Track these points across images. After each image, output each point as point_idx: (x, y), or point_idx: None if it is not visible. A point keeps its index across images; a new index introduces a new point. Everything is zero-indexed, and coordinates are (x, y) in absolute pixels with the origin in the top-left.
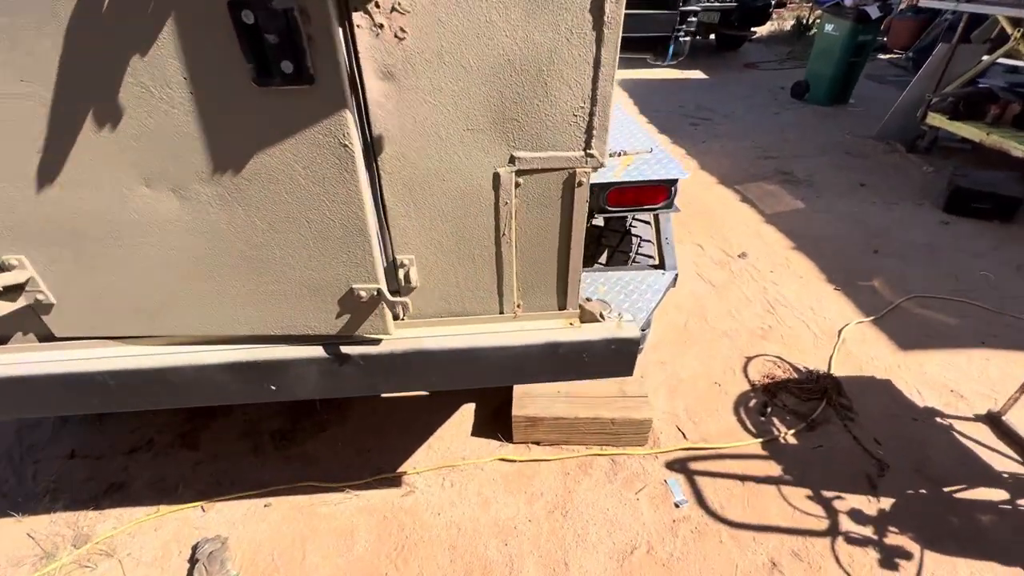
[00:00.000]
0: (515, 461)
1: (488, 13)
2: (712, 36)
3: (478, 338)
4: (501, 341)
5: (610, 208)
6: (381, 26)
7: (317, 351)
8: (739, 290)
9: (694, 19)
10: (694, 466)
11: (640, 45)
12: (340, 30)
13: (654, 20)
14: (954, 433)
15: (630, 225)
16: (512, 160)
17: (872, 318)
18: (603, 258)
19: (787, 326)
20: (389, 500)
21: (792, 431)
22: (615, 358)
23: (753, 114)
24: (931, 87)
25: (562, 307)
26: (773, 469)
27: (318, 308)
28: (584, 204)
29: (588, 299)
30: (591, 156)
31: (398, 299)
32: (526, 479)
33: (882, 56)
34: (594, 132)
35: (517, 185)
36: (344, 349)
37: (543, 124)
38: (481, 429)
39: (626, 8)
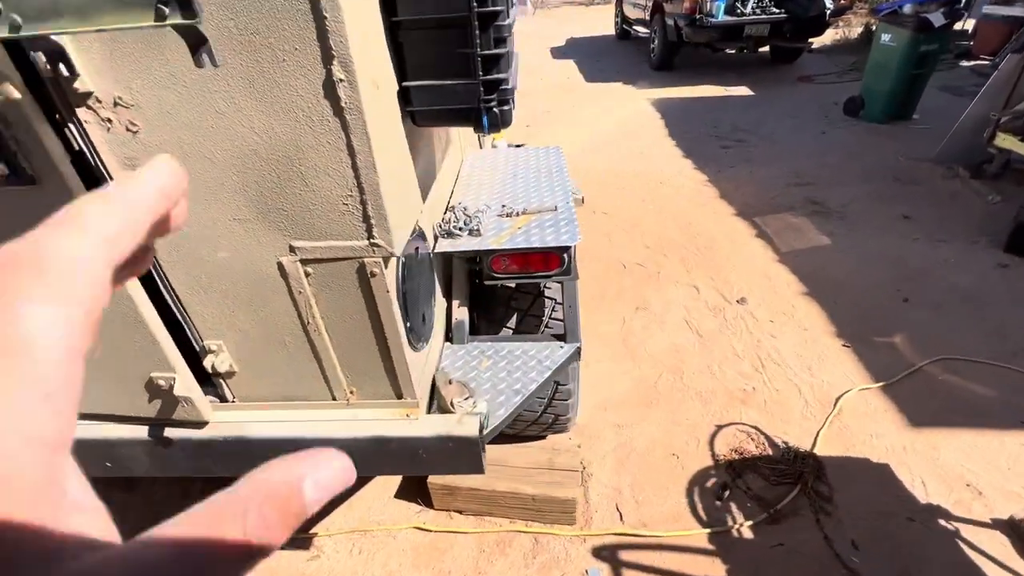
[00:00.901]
0: (430, 531)
1: (215, 103)
2: (763, 49)
3: (304, 427)
4: (327, 432)
5: (496, 275)
6: (110, 120)
7: (142, 432)
8: (728, 342)
9: (509, 87)
10: (625, 555)
11: (454, 116)
12: (55, 129)
13: (452, 92)
14: (960, 542)
15: (544, 286)
16: (292, 249)
17: (882, 384)
18: (512, 321)
19: (774, 389)
20: (294, 564)
21: (751, 522)
22: (455, 456)
23: (795, 135)
24: (999, 103)
25: (399, 395)
26: (717, 569)
27: (132, 393)
28: (385, 294)
29: (451, 381)
30: (377, 246)
31: (222, 382)
32: (438, 553)
33: (965, 63)
34: (373, 221)
35: (307, 274)
36: (167, 432)
37: (312, 214)
38: (406, 490)
39: (421, 79)
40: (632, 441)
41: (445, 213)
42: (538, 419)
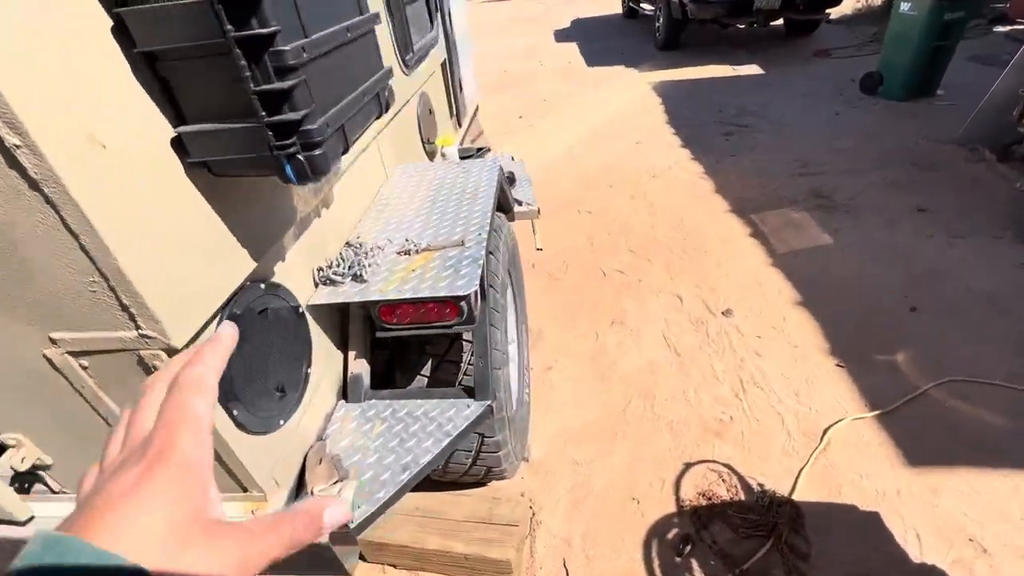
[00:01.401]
0: None
1: None
2: (777, 22)
3: None
4: None
5: (388, 327)
6: None
7: None
8: (708, 361)
9: (315, 127)
10: None
11: (248, 166)
12: None
13: (237, 137)
14: None
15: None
16: (54, 341)
17: (878, 412)
18: (427, 369)
19: (754, 418)
20: None
21: None
22: (310, 560)
23: (806, 117)
24: None
25: (243, 488)
26: None
27: None
28: None
29: (322, 460)
30: (148, 338)
31: (42, 473)
32: None
33: (1000, 28)
34: (134, 311)
35: (83, 367)
36: None
37: (64, 303)
38: None
39: (202, 122)
40: (591, 480)
41: (345, 249)
42: (468, 471)
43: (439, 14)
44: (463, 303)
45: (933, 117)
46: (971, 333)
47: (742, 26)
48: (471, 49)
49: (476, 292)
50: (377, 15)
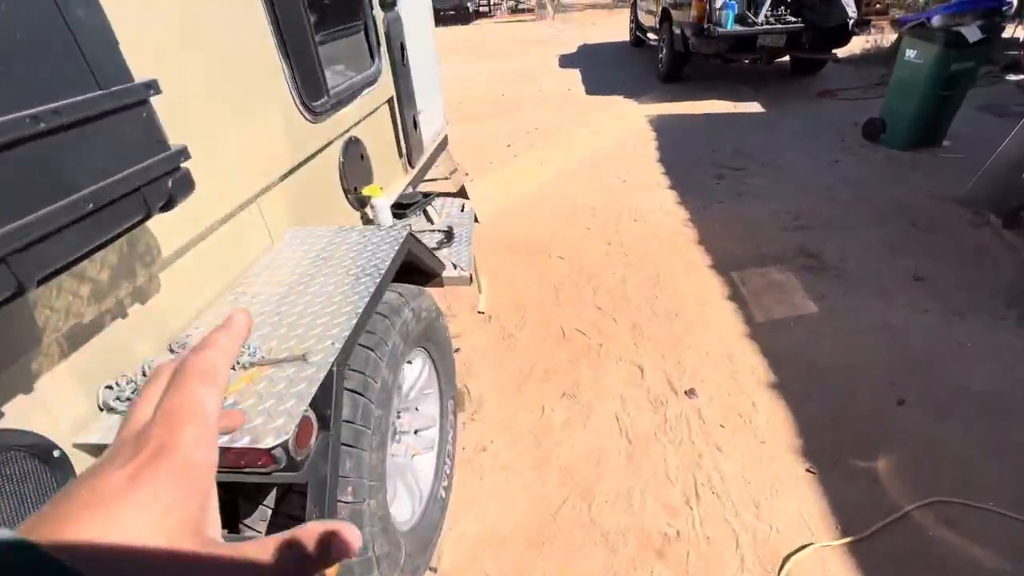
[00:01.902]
0: None
1: None
2: (783, 59)
3: None
4: None
5: None
6: None
7: None
8: (662, 454)
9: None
10: None
11: None
12: None
13: None
14: None
15: None
16: None
17: (850, 540)
18: (257, 519)
19: (704, 535)
20: None
21: None
22: None
23: (803, 162)
24: None
25: None
26: None
27: None
28: None
29: None
30: None
31: None
32: None
33: (1013, 77)
34: None
35: None
36: None
37: None
38: None
39: None
40: None
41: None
42: None
43: (384, 47)
44: (280, 450)
45: (937, 170)
46: (966, 440)
47: (747, 61)
48: (436, 78)
49: (296, 437)
50: (147, 86)
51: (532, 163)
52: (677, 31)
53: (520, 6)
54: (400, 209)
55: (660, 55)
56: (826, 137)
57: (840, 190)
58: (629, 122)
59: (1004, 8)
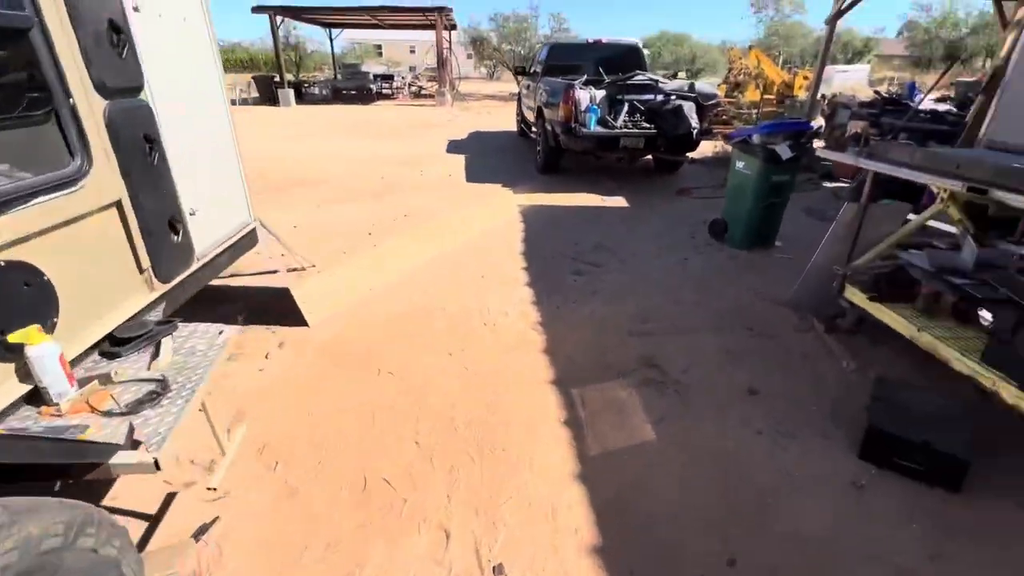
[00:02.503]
0: None
1: None
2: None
3: None
4: None
5: None
6: None
7: None
8: None
9: None
10: None
11: None
12: None
13: None
14: None
15: None
16: None
17: None
18: None
19: None
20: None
21: None
22: None
23: (657, 260)
24: (844, 253)
25: None
26: None
27: None
28: None
29: None
30: None
31: None
32: None
33: (829, 184)
34: None
35: None
36: None
37: None
38: None
39: None
40: None
41: None
42: None
43: (103, 141)
44: None
45: (771, 270)
46: None
47: (614, 158)
48: (235, 170)
49: None
50: None
51: (390, 254)
52: (549, 128)
53: (423, 91)
54: (117, 345)
55: (538, 148)
56: (680, 234)
57: (686, 290)
58: (502, 212)
59: (809, 130)
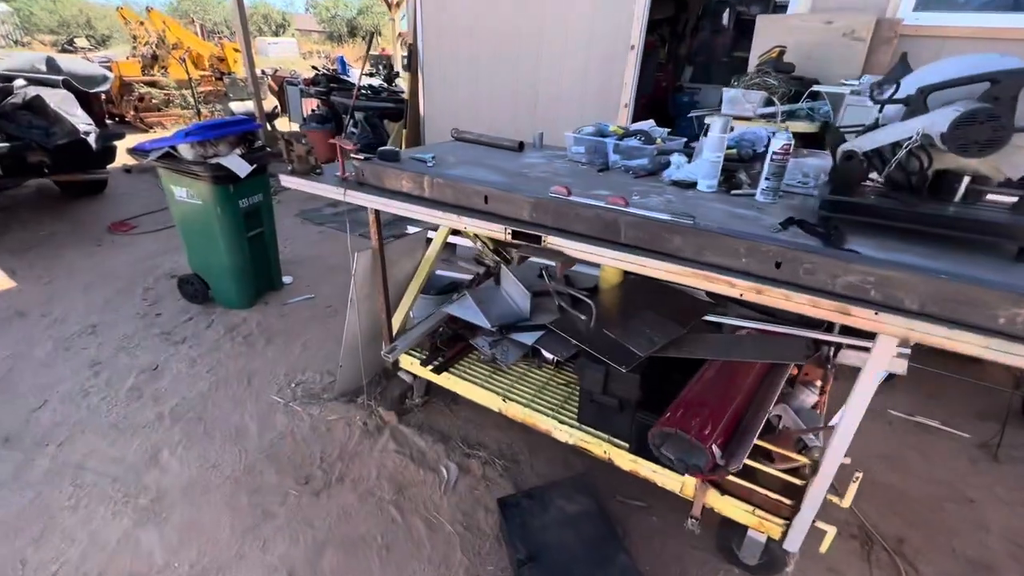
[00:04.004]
0: None
1: None
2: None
3: None
4: None
5: None
6: None
7: None
8: None
9: None
10: None
11: None
12: None
13: None
14: None
15: None
16: None
17: None
18: None
19: None
20: None
21: None
22: None
23: (98, 386)
24: (380, 312)
25: None
26: None
27: None
28: None
29: None
30: None
31: None
32: None
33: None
34: None
35: None
36: None
37: None
38: None
39: None
40: None
41: None
42: None
43: None
44: None
45: (299, 329)
46: None
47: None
48: None
49: None
50: None
51: None
52: None
53: None
54: None
55: None
56: (129, 312)
57: (162, 455)
58: None
59: (258, 130)
